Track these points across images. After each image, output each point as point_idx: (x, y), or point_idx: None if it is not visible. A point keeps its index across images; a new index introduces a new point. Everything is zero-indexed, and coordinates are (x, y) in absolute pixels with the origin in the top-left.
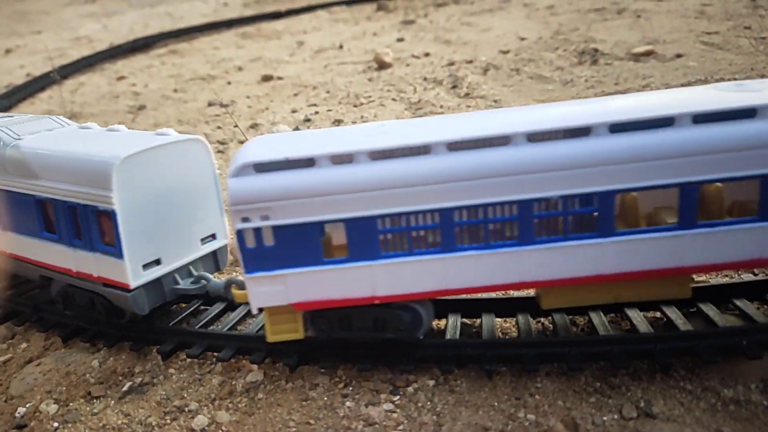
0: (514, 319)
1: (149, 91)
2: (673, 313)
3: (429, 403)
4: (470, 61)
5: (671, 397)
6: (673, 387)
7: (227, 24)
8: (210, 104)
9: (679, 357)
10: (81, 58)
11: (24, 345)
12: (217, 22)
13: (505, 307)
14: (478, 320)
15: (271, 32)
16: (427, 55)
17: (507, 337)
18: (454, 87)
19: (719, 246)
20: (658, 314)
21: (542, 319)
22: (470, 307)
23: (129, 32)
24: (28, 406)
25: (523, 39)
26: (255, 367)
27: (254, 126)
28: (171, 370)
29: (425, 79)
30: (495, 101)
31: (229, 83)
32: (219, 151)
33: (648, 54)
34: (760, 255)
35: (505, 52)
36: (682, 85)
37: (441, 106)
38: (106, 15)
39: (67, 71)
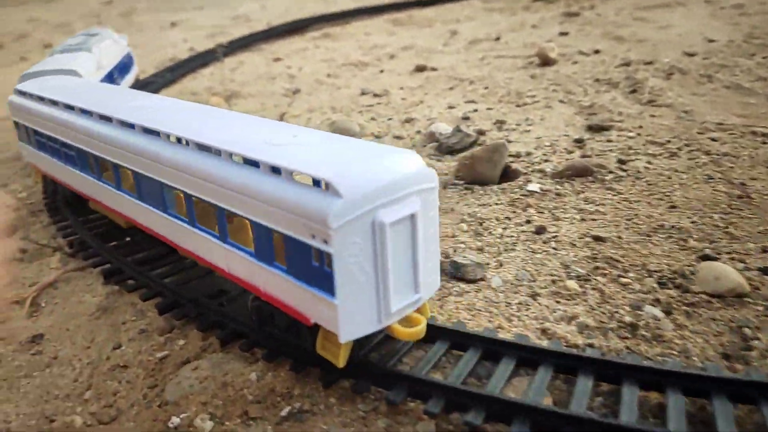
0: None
1: (304, 74)
2: None
3: None
4: (649, 62)
5: None
6: None
7: (379, 9)
8: (363, 93)
9: None
10: (241, 37)
11: (181, 342)
12: (369, 8)
13: (651, 376)
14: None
15: (423, 20)
16: (597, 52)
17: (656, 419)
18: (633, 92)
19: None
20: None
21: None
22: (607, 367)
23: (285, 12)
24: (182, 417)
25: (711, 41)
26: (425, 417)
27: (409, 120)
28: (332, 399)
29: (597, 80)
30: (685, 112)
31: (381, 71)
32: None
33: None
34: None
35: (691, 55)
36: None
37: (619, 113)
38: None
39: (228, 49)
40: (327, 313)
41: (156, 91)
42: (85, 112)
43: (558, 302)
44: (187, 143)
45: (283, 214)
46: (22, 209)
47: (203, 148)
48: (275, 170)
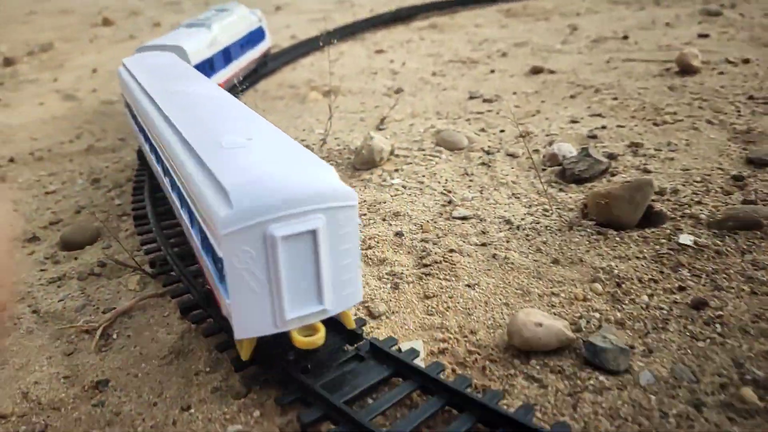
0: None
1: (407, 70)
2: None
3: None
4: None
5: None
6: None
7: None
8: (472, 96)
9: None
10: (343, 26)
11: (257, 413)
12: None
13: None
14: None
15: (539, 11)
16: (746, 62)
17: None
18: None
19: None
20: None
21: None
22: None
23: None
24: None
25: None
26: None
27: (525, 135)
28: None
29: (751, 97)
30: None
31: (492, 71)
32: (483, 164)
33: None
34: None
35: None
36: None
37: None
38: None
39: (329, 38)
40: (227, 309)
41: (256, 82)
42: (144, 91)
43: (732, 420)
44: (179, 133)
45: (204, 213)
46: (110, 211)
47: (184, 141)
48: (210, 172)
